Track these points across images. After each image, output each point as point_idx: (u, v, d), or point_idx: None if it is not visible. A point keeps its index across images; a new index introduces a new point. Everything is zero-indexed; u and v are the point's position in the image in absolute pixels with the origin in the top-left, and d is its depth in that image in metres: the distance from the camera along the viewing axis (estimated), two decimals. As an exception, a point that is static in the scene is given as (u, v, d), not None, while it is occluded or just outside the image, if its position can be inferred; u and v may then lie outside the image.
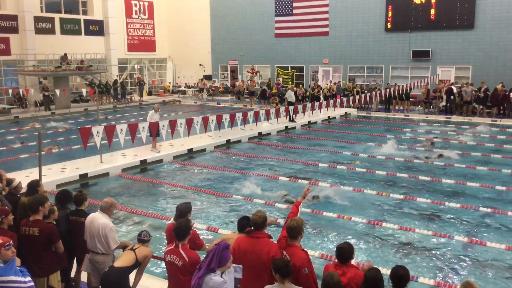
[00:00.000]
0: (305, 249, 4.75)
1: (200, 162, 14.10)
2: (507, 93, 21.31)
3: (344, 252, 4.54)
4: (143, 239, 5.39)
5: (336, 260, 4.58)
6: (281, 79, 30.38)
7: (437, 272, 6.90)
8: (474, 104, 22.08)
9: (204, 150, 15.32)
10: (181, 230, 4.75)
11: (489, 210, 9.33)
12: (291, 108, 17.41)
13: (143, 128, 11.58)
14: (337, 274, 4.21)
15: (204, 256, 4.42)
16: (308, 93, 26.22)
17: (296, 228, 4.65)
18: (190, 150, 14.89)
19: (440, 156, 13.91)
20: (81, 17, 30.56)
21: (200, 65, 34.57)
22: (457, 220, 8.90)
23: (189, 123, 12.54)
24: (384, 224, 8.66)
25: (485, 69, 23.82)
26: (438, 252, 7.54)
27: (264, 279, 4.53)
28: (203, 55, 34.40)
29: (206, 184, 11.55)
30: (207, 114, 16.85)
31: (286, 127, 19.40)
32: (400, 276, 4.12)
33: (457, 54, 24.88)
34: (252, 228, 4.80)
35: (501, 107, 21.64)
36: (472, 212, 9.30)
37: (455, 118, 21.41)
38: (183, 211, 5.33)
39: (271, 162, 13.81)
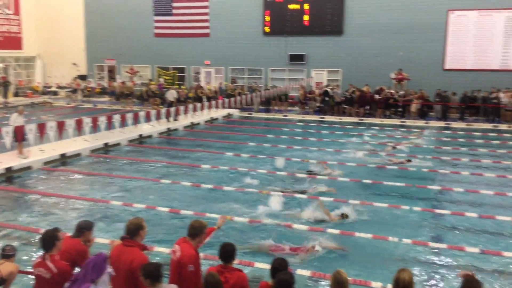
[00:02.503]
0: (197, 250, 4.75)
1: (74, 167, 13.17)
2: (371, 94, 23.34)
3: (228, 250, 4.56)
4: (7, 254, 5.03)
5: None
6: (162, 79, 29.75)
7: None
8: (344, 105, 23.80)
9: (79, 154, 14.33)
10: (45, 240, 4.49)
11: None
12: (172, 109, 17.12)
13: (7, 132, 10.47)
14: (219, 274, 4.23)
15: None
16: (190, 94, 26.03)
17: (197, 229, 4.75)
18: (63, 155, 13.81)
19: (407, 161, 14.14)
20: None
21: (74, 64, 32.41)
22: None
23: (61, 126, 11.63)
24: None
25: (353, 73, 25.85)
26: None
27: None
28: (77, 54, 32.30)
29: (82, 191, 10.81)
30: (82, 116, 15.83)
31: (168, 128, 19.03)
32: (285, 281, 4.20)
33: (328, 58, 26.64)
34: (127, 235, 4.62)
35: (368, 108, 23.63)
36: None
37: (328, 118, 22.84)
38: (82, 227, 5.02)
39: (152, 165, 13.41)
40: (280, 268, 4.43)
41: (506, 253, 7.46)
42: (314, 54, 26.86)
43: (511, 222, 9.01)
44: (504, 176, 12.41)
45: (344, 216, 8.98)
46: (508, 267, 7.13)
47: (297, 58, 27.10)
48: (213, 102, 22.21)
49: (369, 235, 8.14)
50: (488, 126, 20.49)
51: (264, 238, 7.90)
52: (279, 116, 23.86)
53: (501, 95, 21.71)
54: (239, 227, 8.58)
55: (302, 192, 10.67)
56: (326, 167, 12.69)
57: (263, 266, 6.74)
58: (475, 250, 7.64)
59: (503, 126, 20.36)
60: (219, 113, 23.02)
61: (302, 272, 6.69)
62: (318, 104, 24.49)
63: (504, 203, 10.25)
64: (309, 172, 12.38)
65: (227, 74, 29.13)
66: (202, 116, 21.56)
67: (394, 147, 15.90)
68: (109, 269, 4.31)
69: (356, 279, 6.44)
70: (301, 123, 21.89)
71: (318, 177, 11.92)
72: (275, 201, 9.70)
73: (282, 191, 10.61)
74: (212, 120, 22.18)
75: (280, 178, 12.07)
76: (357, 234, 8.21)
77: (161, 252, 7.22)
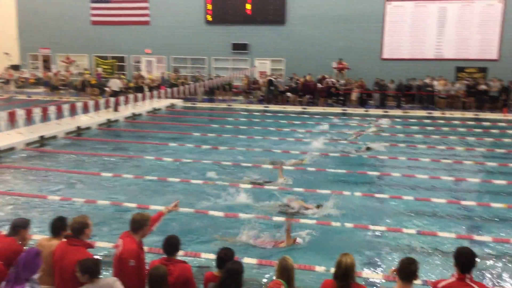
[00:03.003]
0: (141, 244, 4.65)
1: (8, 162, 12.44)
2: (314, 83, 23.73)
3: (173, 243, 4.48)
4: None
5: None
6: (100, 69, 28.67)
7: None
8: (287, 93, 24.05)
9: (12, 149, 13.55)
10: None
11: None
12: (113, 99, 16.58)
13: None
14: (164, 266, 4.16)
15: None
16: (130, 84, 25.32)
17: (138, 222, 4.63)
18: (-5, 150, 13.02)
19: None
20: None
21: (6, 53, 30.52)
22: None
23: (-9, 118, 10.94)
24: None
25: (296, 62, 26.15)
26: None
27: None
28: (8, 43, 30.43)
29: (17, 187, 10.24)
30: (15, 108, 14.96)
31: (108, 120, 18.40)
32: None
33: (271, 48, 26.78)
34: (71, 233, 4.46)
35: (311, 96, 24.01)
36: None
37: (272, 107, 22.99)
38: (16, 225, 4.71)
39: (92, 158, 12.93)
40: (226, 258, 4.40)
41: (440, 233, 7.84)
42: (257, 43, 26.89)
43: (445, 204, 9.47)
44: (437, 160, 13.03)
45: (319, 206, 9.00)
46: (443, 246, 7.50)
47: (240, 47, 27.02)
48: (155, 92, 21.71)
49: (313, 221, 8.29)
50: (423, 113, 21.43)
51: (242, 231, 7.81)
52: (223, 105, 23.73)
53: (435, 83, 22.76)
54: (211, 220, 8.46)
55: (271, 183, 10.51)
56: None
57: (210, 256, 6.68)
58: (412, 231, 7.98)
59: (437, 113, 21.38)
60: (162, 103, 22.55)
61: (248, 260, 6.70)
62: (262, 94, 24.58)
63: (439, 186, 10.78)
64: (274, 163, 12.18)
65: (169, 63, 28.57)
66: (144, 106, 21.05)
67: (356, 137, 16.23)
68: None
69: (301, 264, 6.54)
70: (246, 112, 21.88)
71: (284, 167, 11.79)
72: (245, 194, 9.61)
73: (252, 183, 10.49)
74: (155, 110, 21.69)
75: (241, 169, 11.86)
76: (305, 220, 8.35)
77: (103, 247, 6.99)
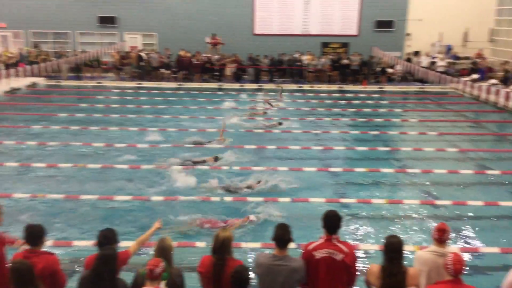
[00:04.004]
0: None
1: None
2: (189, 59, 23.37)
3: (33, 232, 4.11)
4: None
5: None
6: None
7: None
8: (161, 69, 23.40)
9: None
10: None
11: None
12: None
13: None
14: (25, 260, 3.82)
15: None
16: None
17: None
18: None
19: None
20: None
21: None
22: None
23: None
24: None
25: (169, 36, 25.46)
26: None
27: None
28: None
29: None
30: None
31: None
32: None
33: (142, 22, 25.68)
34: None
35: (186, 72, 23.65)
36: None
37: (146, 84, 22.20)
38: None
39: None
40: (104, 241, 4.17)
41: (311, 199, 8.34)
42: (126, 16, 25.57)
43: (315, 172, 10.06)
44: (308, 131, 13.77)
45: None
46: (314, 210, 7.97)
47: (107, 21, 25.46)
48: (13, 70, 19.60)
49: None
50: (294, 86, 22.45)
51: (187, 214, 7.63)
52: (92, 83, 22.29)
53: (304, 58, 23.92)
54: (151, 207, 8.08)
55: (203, 162, 10.32)
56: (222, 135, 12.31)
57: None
58: (287, 199, 8.38)
59: (306, 86, 22.54)
60: (21, 82, 20.40)
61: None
62: (134, 70, 23.58)
63: (309, 156, 11.44)
64: (196, 142, 11.95)
65: (27, 38, 25.88)
66: (0, 86, 18.89)
67: (265, 112, 16.34)
68: None
69: (182, 242, 6.50)
70: (118, 90, 20.83)
71: (206, 146, 11.67)
72: (182, 176, 9.30)
73: (182, 165, 10.13)
74: (13, 90, 19.56)
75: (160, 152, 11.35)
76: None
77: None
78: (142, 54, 23.37)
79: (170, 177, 9.35)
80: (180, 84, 22.35)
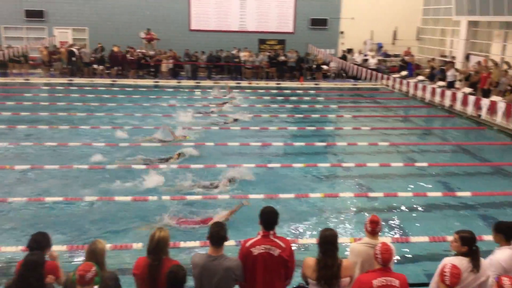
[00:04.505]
0: None
1: None
2: (123, 54, 22.68)
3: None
4: None
5: None
6: None
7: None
8: (94, 65, 22.56)
9: None
10: None
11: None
12: None
13: None
14: None
15: None
16: None
17: None
18: None
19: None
20: None
21: None
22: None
23: None
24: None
25: (101, 31, 24.55)
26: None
27: None
28: None
29: None
30: None
31: None
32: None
33: (72, 16, 24.59)
34: None
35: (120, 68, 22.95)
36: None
37: (77, 80, 21.30)
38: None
39: None
40: (35, 246, 3.97)
41: (251, 196, 8.36)
42: (55, 10, 24.37)
43: (254, 168, 10.11)
44: (247, 128, 13.82)
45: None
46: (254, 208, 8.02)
47: (35, 15, 24.14)
48: None
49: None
50: (232, 83, 22.42)
51: (162, 214, 7.45)
52: (19, 80, 21.06)
53: (241, 54, 23.95)
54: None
55: (167, 160, 10.24)
56: (173, 133, 12.19)
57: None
58: (226, 196, 8.36)
59: (244, 83, 22.60)
60: None
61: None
62: (65, 66, 22.55)
63: (248, 152, 11.48)
64: (161, 140, 11.77)
65: None
66: None
67: (220, 109, 16.10)
68: None
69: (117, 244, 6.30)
70: (48, 87, 19.82)
71: (169, 144, 11.50)
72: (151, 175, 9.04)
73: (145, 164, 9.88)
74: None
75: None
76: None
77: None
78: (74, 49, 22.38)
79: (138, 177, 9.14)
80: (114, 81, 21.66)
